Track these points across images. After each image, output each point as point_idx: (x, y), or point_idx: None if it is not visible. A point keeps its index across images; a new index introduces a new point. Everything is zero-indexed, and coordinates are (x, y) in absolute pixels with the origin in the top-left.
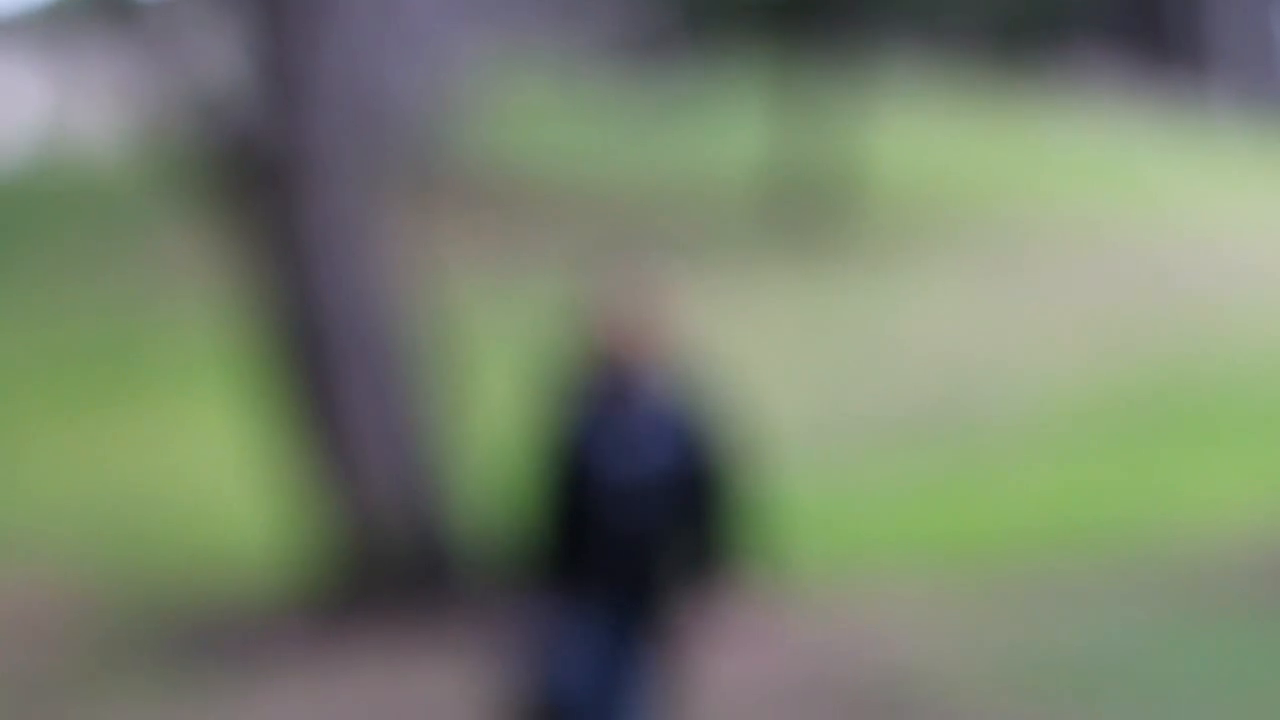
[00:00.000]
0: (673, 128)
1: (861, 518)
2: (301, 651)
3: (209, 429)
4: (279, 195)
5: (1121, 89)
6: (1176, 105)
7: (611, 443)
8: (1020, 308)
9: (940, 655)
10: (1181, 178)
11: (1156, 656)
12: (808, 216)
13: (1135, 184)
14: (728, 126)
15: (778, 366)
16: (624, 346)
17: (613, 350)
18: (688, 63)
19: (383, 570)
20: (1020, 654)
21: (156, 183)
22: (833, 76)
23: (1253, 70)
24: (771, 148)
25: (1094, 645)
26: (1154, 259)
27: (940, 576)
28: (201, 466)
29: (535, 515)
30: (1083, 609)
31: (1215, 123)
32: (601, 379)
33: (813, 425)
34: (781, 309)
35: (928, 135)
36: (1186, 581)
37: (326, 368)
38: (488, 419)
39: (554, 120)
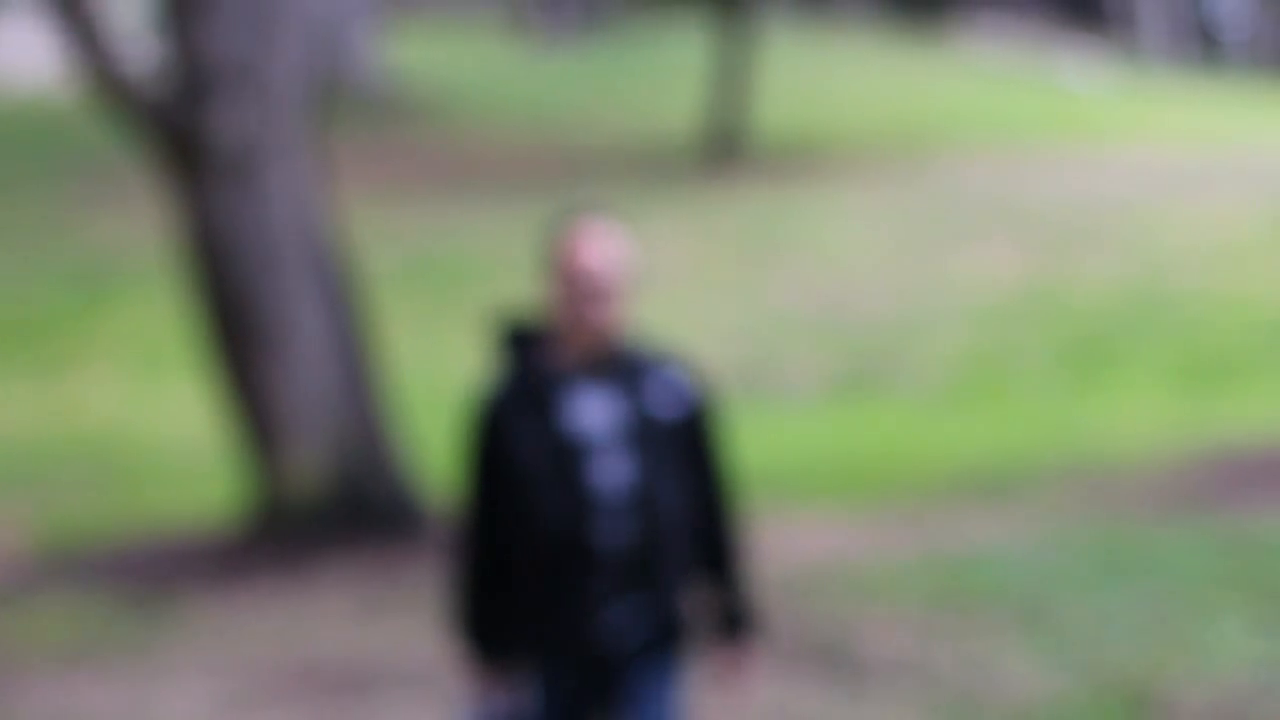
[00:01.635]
0: (610, 73)
1: (782, 415)
2: (220, 580)
3: (162, 372)
4: (206, 121)
5: (1054, 31)
6: (1103, 45)
7: (576, 446)
8: (929, 221)
9: (852, 558)
10: (1101, 105)
11: (1050, 559)
12: (733, 152)
13: (1060, 111)
14: (660, 68)
15: (705, 275)
16: (591, 310)
17: (575, 316)
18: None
19: (317, 505)
20: (928, 559)
21: (110, 124)
22: (766, 21)
23: (1175, 19)
24: (702, 92)
25: (995, 551)
26: (1071, 174)
27: (847, 493)
28: (154, 414)
29: (471, 557)
30: (990, 524)
31: (1140, 61)
32: (560, 356)
33: (734, 326)
34: (707, 228)
35: (864, 78)
36: (1088, 498)
37: (264, 296)
38: (392, 346)
39: (488, 62)
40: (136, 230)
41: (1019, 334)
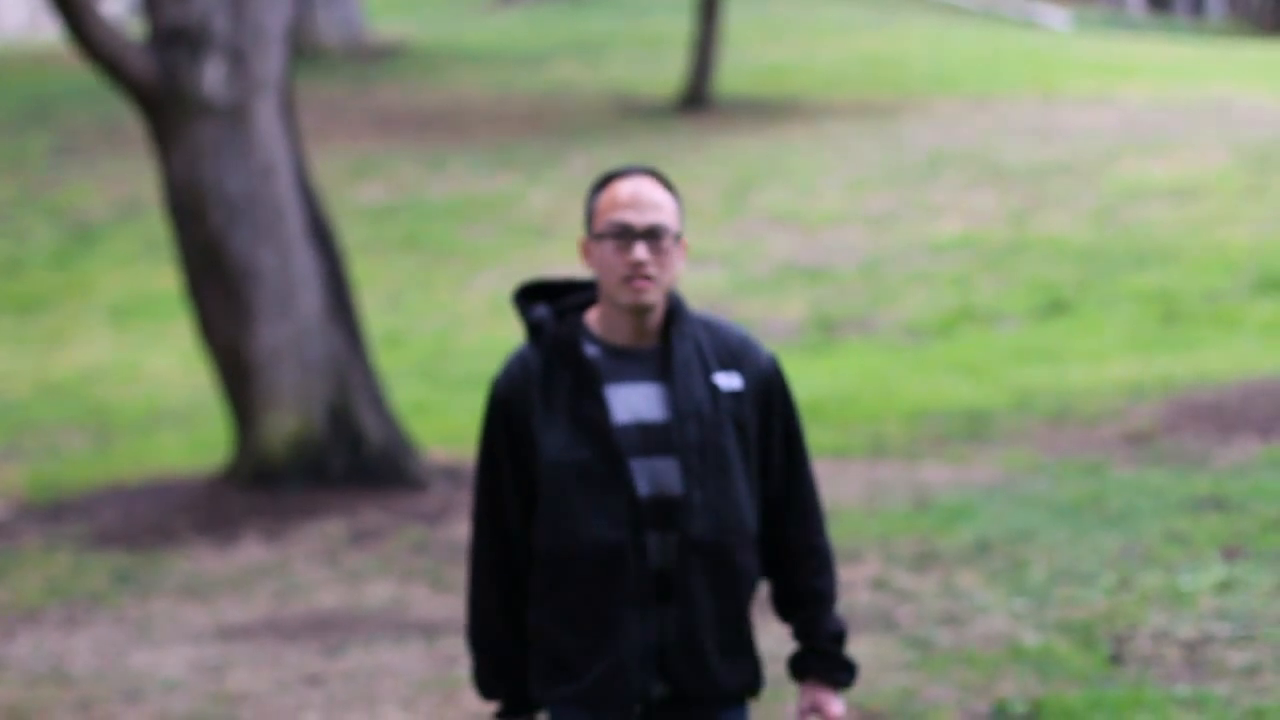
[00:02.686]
0: (581, 27)
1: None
2: (202, 530)
3: (144, 321)
4: (186, 74)
5: None
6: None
7: (619, 444)
8: (901, 166)
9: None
10: (1079, 45)
11: (1005, 497)
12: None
13: (1039, 52)
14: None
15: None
16: (636, 275)
17: (617, 281)
18: None
19: (301, 456)
20: (897, 491)
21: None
22: None
23: None
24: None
25: (950, 496)
26: (1048, 118)
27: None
28: (137, 363)
29: (482, 585)
30: (945, 470)
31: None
32: (600, 332)
33: (704, 278)
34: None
35: (840, 17)
36: (1047, 442)
37: (247, 244)
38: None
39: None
40: (114, 182)
41: (989, 280)
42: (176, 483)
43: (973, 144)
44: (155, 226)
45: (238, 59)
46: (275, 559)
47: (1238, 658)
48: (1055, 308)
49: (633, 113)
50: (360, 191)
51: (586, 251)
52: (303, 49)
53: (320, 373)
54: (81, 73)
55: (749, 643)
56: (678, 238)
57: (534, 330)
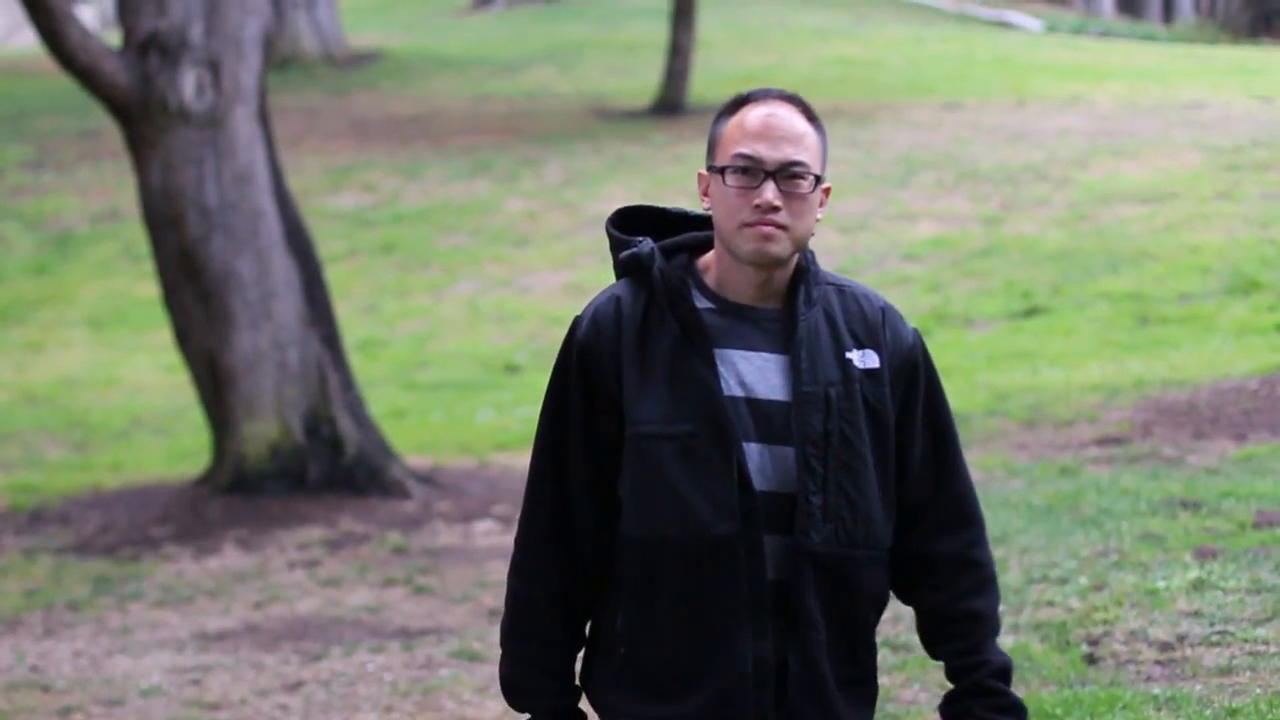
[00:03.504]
0: (557, 32)
1: None
2: (180, 537)
3: (122, 329)
4: (163, 84)
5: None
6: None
7: (730, 419)
8: (878, 167)
9: None
10: (1052, 47)
11: (980, 498)
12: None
13: (1012, 54)
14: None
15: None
16: (764, 217)
17: (739, 223)
18: None
19: (280, 463)
20: None
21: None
22: None
23: None
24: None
25: None
26: (1020, 121)
27: None
28: (115, 371)
29: (538, 587)
30: None
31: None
32: (713, 283)
33: None
34: (652, 181)
35: (815, 19)
36: (1021, 444)
37: (224, 252)
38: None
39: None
40: (92, 191)
41: (963, 283)
42: (155, 490)
43: (946, 148)
44: (133, 235)
45: (214, 67)
46: (254, 566)
47: (1212, 658)
48: (1029, 310)
49: (608, 119)
50: (337, 199)
51: (705, 188)
52: (279, 57)
53: (298, 380)
54: (59, 81)
55: (872, 679)
56: (819, 181)
57: (633, 266)
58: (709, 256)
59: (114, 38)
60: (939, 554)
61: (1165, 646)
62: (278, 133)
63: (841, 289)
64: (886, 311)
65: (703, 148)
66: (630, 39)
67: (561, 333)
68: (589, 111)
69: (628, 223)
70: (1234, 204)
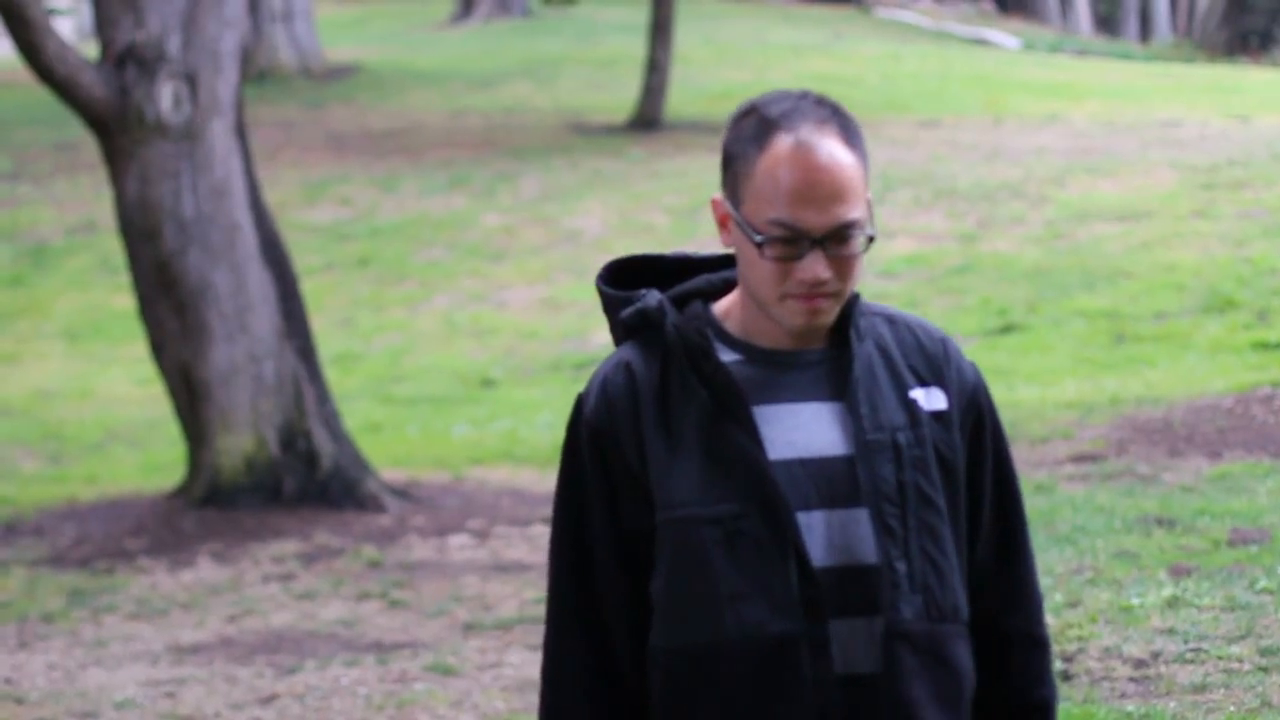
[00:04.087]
0: (537, 47)
1: None
2: (155, 550)
3: (97, 342)
4: (139, 96)
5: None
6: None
7: (777, 491)
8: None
9: None
10: (1030, 65)
11: None
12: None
13: (989, 71)
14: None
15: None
16: (809, 268)
17: (777, 275)
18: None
19: (255, 476)
20: None
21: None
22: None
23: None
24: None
25: None
26: (997, 139)
27: None
28: (91, 383)
29: (564, 697)
30: None
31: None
32: (743, 332)
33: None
34: (631, 199)
35: (793, 39)
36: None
37: (200, 266)
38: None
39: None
40: (68, 203)
41: (939, 301)
42: (130, 503)
43: (923, 165)
44: (109, 247)
45: (191, 80)
46: (229, 579)
47: (1186, 675)
48: (1005, 328)
49: (585, 134)
50: (313, 212)
51: (723, 221)
52: (256, 70)
53: (274, 393)
54: (36, 93)
55: None
56: (869, 239)
57: (641, 325)
58: (729, 300)
59: (92, 50)
60: (1007, 633)
61: (1140, 664)
62: (254, 146)
63: (891, 319)
64: (947, 344)
65: (680, 164)
66: (608, 54)
67: (538, 349)
68: (566, 126)
69: (621, 277)
70: (1210, 222)
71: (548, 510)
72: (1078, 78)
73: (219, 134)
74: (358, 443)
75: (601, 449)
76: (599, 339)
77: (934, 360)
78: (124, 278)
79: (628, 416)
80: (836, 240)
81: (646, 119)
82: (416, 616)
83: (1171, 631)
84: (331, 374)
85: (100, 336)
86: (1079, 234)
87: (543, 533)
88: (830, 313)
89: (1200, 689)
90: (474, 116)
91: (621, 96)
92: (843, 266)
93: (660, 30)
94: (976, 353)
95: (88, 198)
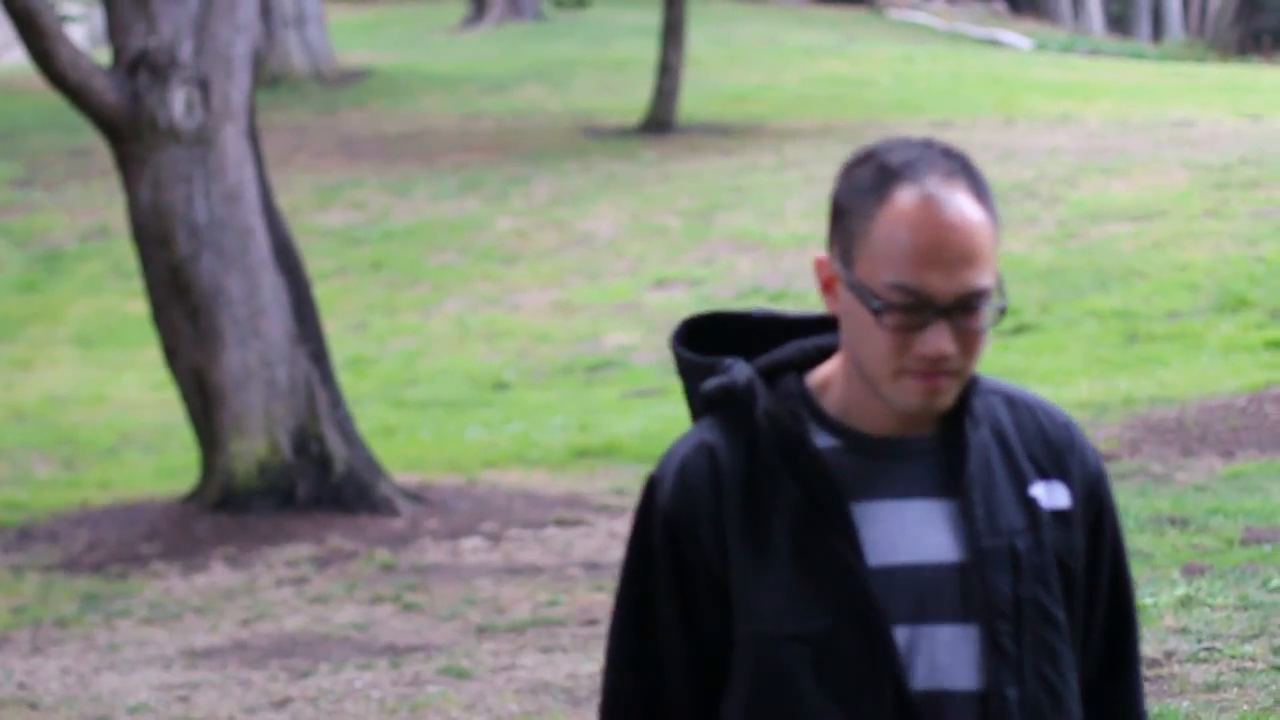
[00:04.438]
0: (549, 51)
1: None
2: (169, 555)
3: (110, 347)
4: (152, 101)
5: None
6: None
7: (881, 608)
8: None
9: None
10: (1042, 65)
11: None
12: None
13: (1002, 71)
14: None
15: (638, 248)
16: (931, 344)
17: (892, 350)
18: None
19: (269, 481)
20: None
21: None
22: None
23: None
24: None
25: None
26: (1010, 139)
27: None
28: (104, 388)
29: None
30: None
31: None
32: (844, 418)
33: (670, 300)
34: (643, 203)
35: (804, 39)
36: None
37: (212, 271)
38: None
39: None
40: (82, 209)
41: None
42: (144, 507)
43: None
44: (122, 253)
45: (204, 86)
46: (242, 583)
47: (1199, 674)
48: (1018, 328)
49: (598, 137)
50: (326, 216)
51: (829, 283)
52: (268, 75)
53: (287, 397)
54: (49, 99)
55: None
56: (1000, 312)
57: (725, 401)
58: (826, 372)
59: (104, 56)
60: None
61: (1153, 663)
62: (267, 151)
63: (1011, 400)
64: (1072, 429)
65: (692, 166)
66: (620, 57)
67: (551, 352)
68: (579, 129)
69: (698, 336)
70: (1222, 222)
71: (561, 512)
72: (1090, 78)
73: (231, 139)
74: (371, 446)
75: (678, 542)
76: (611, 341)
77: (1057, 450)
78: (137, 283)
79: (709, 508)
80: (964, 310)
81: (659, 121)
82: (430, 620)
83: (1185, 631)
84: (344, 378)
85: (113, 342)
86: (1092, 234)
87: (555, 535)
88: (950, 394)
89: (1214, 688)
90: (486, 120)
91: (634, 99)
92: (969, 341)
93: (672, 33)
94: (989, 353)
95: (100, 203)
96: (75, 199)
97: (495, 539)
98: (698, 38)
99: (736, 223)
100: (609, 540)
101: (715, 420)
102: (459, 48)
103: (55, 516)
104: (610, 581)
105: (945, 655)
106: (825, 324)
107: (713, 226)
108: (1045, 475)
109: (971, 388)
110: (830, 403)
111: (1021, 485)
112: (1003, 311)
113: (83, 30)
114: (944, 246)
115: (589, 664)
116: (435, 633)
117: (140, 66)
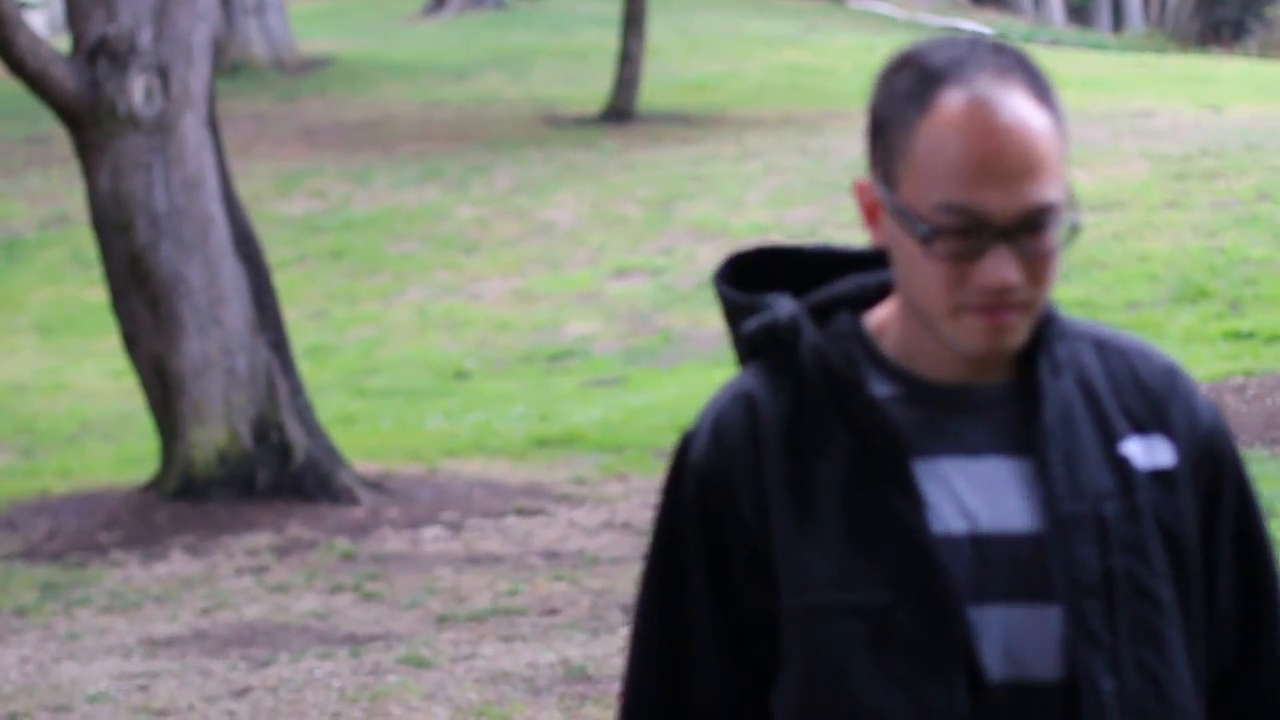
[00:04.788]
0: (505, 40)
1: (684, 373)
2: (128, 545)
3: (69, 336)
4: (111, 89)
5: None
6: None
7: (947, 577)
8: (826, 177)
9: None
10: None
11: None
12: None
13: None
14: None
15: (599, 238)
16: (991, 271)
17: (948, 278)
18: None
19: (228, 470)
20: None
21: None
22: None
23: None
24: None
25: None
26: None
27: None
28: (63, 377)
29: None
30: None
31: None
32: (901, 359)
33: (633, 292)
34: (604, 193)
35: (764, 29)
36: None
37: (172, 259)
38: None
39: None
40: (41, 197)
41: None
42: (103, 496)
43: None
44: (82, 240)
45: (163, 73)
46: (202, 572)
47: None
48: None
49: (558, 125)
50: (287, 205)
51: (871, 210)
52: (229, 62)
53: (247, 386)
54: (7, 86)
55: None
56: (1073, 230)
57: (768, 342)
58: (884, 313)
59: (64, 43)
60: None
61: None
62: (227, 139)
63: (1101, 343)
64: (1176, 375)
65: (653, 155)
66: (581, 46)
67: (511, 341)
68: (539, 118)
69: (748, 275)
70: (1183, 212)
71: (521, 501)
72: (1050, 68)
73: (191, 127)
74: (331, 435)
75: (711, 506)
76: (572, 330)
77: (1155, 399)
78: (96, 271)
79: (747, 466)
80: (1028, 231)
81: (620, 111)
82: (390, 609)
83: None
84: (305, 366)
85: (73, 330)
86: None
87: (516, 524)
88: (1019, 332)
89: None
90: (447, 109)
91: (594, 88)
92: (1036, 267)
93: (633, 22)
94: None
95: (60, 191)
96: (34, 186)
97: (455, 528)
98: (659, 27)
99: (697, 212)
100: (569, 530)
101: (757, 367)
102: (419, 36)
103: (14, 505)
104: (570, 571)
105: (1023, 641)
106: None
107: (673, 216)
108: (1141, 429)
109: (1050, 328)
110: (889, 345)
111: (1111, 442)
112: (1076, 229)
113: (42, 17)
114: (1000, 156)
115: (549, 653)
116: (395, 622)
117: (99, 54)
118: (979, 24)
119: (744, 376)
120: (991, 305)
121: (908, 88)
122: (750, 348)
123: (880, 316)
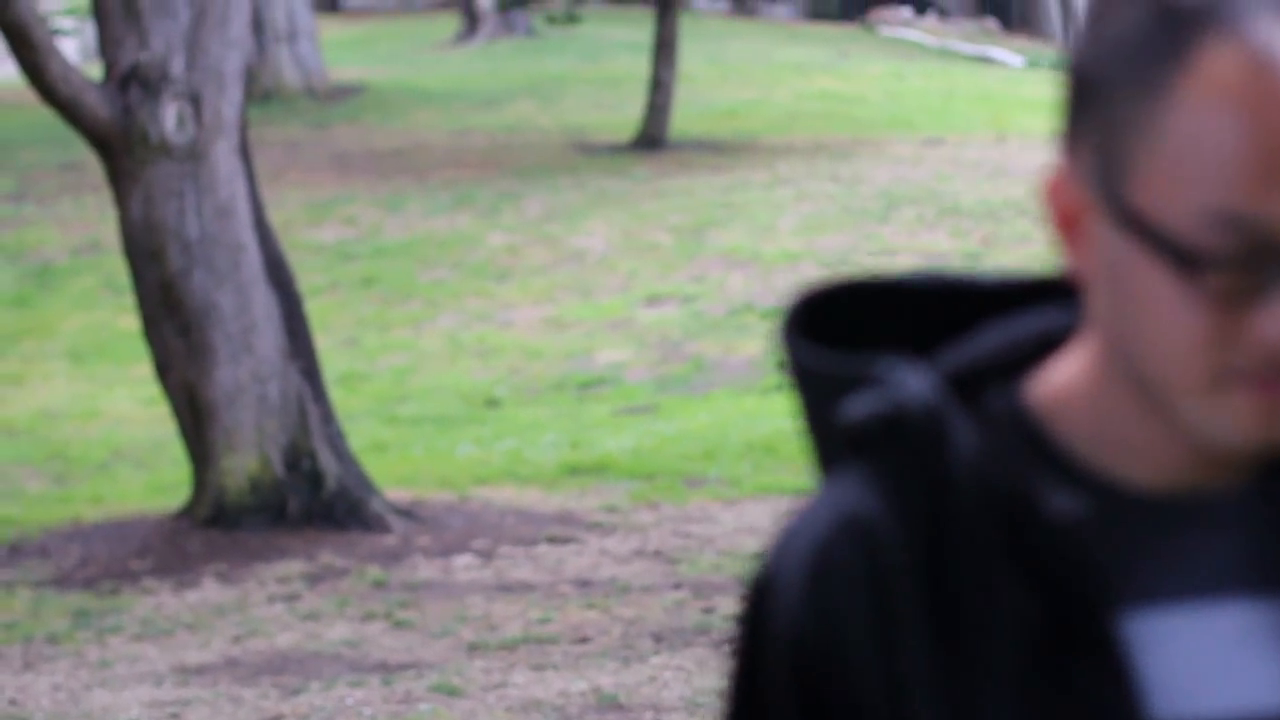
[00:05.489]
0: (540, 67)
1: (718, 401)
2: (160, 571)
3: (102, 363)
4: (144, 116)
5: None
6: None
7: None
8: (858, 205)
9: None
10: (1034, 81)
11: None
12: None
13: (994, 89)
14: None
15: (629, 265)
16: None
17: (1192, 382)
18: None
19: (260, 497)
20: None
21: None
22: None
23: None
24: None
25: None
26: (1001, 157)
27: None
28: (95, 404)
29: None
30: None
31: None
32: (1072, 446)
33: (662, 318)
34: (635, 220)
35: (795, 57)
36: None
37: (204, 287)
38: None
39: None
40: (74, 224)
41: None
42: (135, 523)
43: (927, 183)
44: (114, 268)
45: (195, 100)
46: (234, 599)
47: None
48: None
49: (589, 153)
50: (318, 232)
51: (1070, 219)
52: (260, 90)
53: (278, 413)
54: (40, 114)
55: None
56: None
57: (890, 441)
58: (1060, 381)
59: (96, 71)
60: None
61: None
62: (259, 166)
63: None
64: None
65: (684, 183)
66: (612, 73)
67: (543, 368)
68: (570, 146)
69: (824, 318)
70: None
71: (553, 529)
72: None
73: (223, 154)
74: (362, 463)
75: (812, 687)
76: (603, 358)
77: None
78: (129, 298)
79: (868, 628)
80: None
81: (651, 138)
82: (421, 637)
83: None
84: (336, 394)
85: (105, 357)
86: None
87: (547, 552)
88: None
89: None
90: (478, 136)
91: (626, 115)
92: None
93: (664, 49)
94: None
95: (92, 218)
96: (67, 214)
97: (487, 556)
98: (690, 54)
99: (729, 239)
100: (601, 558)
101: (865, 475)
102: (451, 63)
103: (46, 532)
104: (602, 599)
105: None
106: (1044, 292)
107: (705, 243)
108: None
109: None
110: (1072, 433)
111: None
112: None
113: (75, 45)
114: None
115: (580, 682)
116: (427, 650)
117: (131, 81)
118: (1010, 51)
119: (844, 490)
120: (1273, 373)
121: (1146, 33)
122: (854, 444)
123: (1054, 387)
